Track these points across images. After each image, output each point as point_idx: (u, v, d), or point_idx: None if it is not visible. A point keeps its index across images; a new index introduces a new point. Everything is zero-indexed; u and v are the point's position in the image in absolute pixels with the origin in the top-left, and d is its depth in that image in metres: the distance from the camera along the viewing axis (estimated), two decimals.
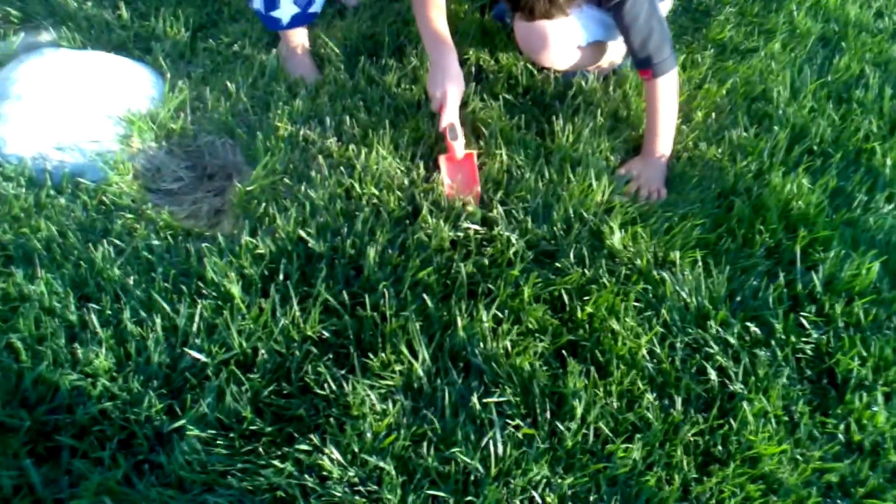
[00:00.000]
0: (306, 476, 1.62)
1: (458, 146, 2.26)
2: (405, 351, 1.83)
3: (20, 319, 1.85)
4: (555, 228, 2.14)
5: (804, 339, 1.97)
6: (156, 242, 2.07)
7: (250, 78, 2.61)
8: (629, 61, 2.72)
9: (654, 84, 2.31)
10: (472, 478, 1.65)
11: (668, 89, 2.33)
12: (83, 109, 2.39)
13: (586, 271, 2.04)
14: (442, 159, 2.28)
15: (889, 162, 2.45)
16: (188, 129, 2.45)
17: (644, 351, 1.89)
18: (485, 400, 1.76)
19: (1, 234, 2.06)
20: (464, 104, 2.50)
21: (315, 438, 1.67)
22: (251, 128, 2.44)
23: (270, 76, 2.62)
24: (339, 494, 1.59)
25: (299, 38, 2.66)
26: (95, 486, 1.59)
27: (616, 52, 2.67)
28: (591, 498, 1.65)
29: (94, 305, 1.90)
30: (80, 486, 1.61)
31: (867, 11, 3.21)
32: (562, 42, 2.47)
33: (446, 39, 2.33)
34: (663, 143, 2.39)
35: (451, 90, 2.25)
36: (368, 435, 1.68)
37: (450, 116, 2.26)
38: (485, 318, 1.90)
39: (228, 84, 2.56)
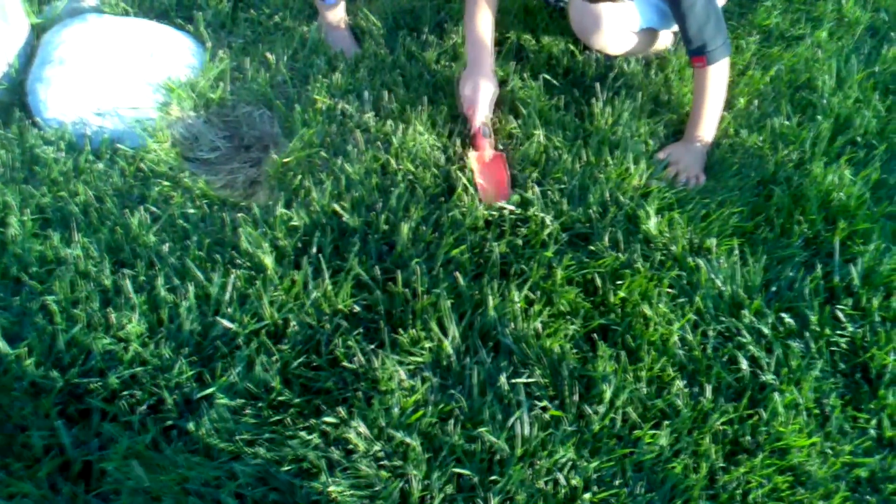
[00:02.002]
0: (332, 448, 1.63)
1: (489, 147, 2.26)
2: (435, 328, 1.83)
3: (56, 282, 1.87)
4: (590, 211, 2.12)
5: (839, 332, 1.94)
6: (191, 211, 2.08)
7: (290, 50, 2.61)
8: (672, 47, 2.70)
9: (706, 71, 2.27)
10: (498, 457, 1.65)
11: (719, 77, 2.30)
12: (124, 76, 2.41)
13: (620, 255, 2.02)
14: (472, 159, 2.24)
15: None
16: (227, 98, 2.45)
17: (675, 338, 1.88)
18: (513, 380, 1.76)
19: (39, 198, 2.08)
20: (503, 82, 2.48)
21: (342, 411, 1.68)
22: (289, 100, 2.44)
23: (311, 49, 2.61)
24: (364, 468, 1.60)
25: (339, 12, 2.66)
26: (124, 449, 1.62)
27: (665, 40, 2.65)
28: (617, 482, 1.64)
29: (129, 271, 1.92)
30: (109, 449, 1.64)
31: None
32: (617, 25, 2.44)
33: (486, 43, 2.38)
34: (707, 130, 2.36)
35: (483, 88, 2.31)
36: (396, 410, 1.68)
37: (482, 115, 2.30)
38: (516, 299, 1.90)
39: (268, 55, 2.56)
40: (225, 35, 2.70)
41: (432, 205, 2.13)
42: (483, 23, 2.37)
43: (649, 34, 2.57)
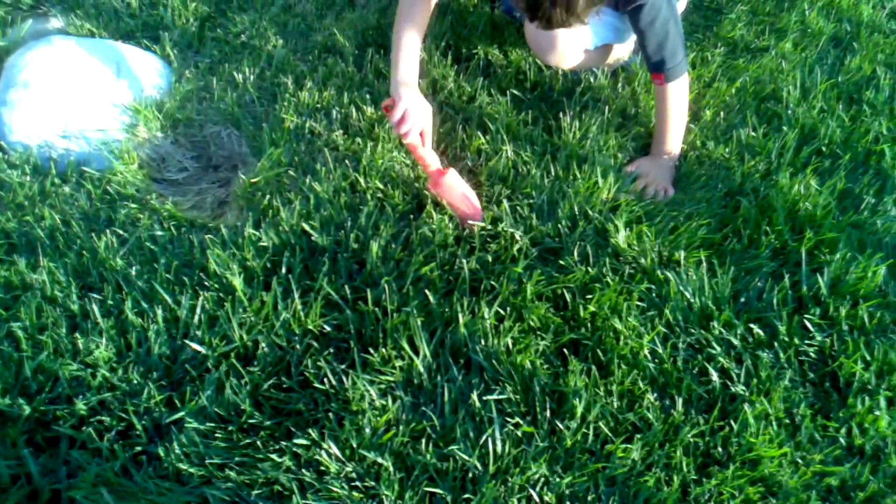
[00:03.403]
0: (304, 470, 1.62)
1: (432, 160, 2.16)
2: (406, 347, 1.83)
3: (22, 308, 1.85)
4: (559, 226, 2.13)
5: (808, 342, 1.95)
6: (159, 233, 2.07)
7: (257, 69, 2.60)
8: (637, 58, 2.71)
9: (666, 88, 2.29)
10: (471, 475, 1.65)
11: (678, 94, 2.31)
12: (90, 98, 2.39)
13: (590, 269, 2.03)
14: (437, 186, 2.15)
15: None
16: (194, 119, 2.44)
17: (646, 351, 1.88)
18: (485, 397, 1.76)
19: (4, 222, 2.06)
20: (471, 99, 2.49)
21: (314, 433, 1.67)
22: (257, 119, 2.43)
23: (278, 67, 2.61)
24: (336, 489, 1.59)
25: None
26: (93, 476, 1.60)
27: (621, 51, 2.66)
28: (590, 497, 1.64)
29: (96, 295, 1.90)
30: (77, 477, 1.61)
31: (880, 12, 3.18)
32: (571, 45, 2.45)
33: (415, 59, 2.20)
34: (673, 145, 2.38)
35: (416, 107, 2.11)
36: (367, 430, 1.67)
37: (416, 131, 2.11)
38: (487, 315, 1.90)
39: (236, 74, 2.56)
40: (192, 55, 2.70)
41: (402, 222, 2.13)
42: (411, 38, 2.19)
43: (604, 49, 2.59)
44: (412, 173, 2.25)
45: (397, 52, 2.16)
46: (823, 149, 2.48)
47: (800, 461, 1.74)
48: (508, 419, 1.73)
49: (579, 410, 1.74)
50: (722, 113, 2.58)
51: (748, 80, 2.71)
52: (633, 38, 2.57)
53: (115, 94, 2.42)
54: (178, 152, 2.38)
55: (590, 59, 2.56)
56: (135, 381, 1.74)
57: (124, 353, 1.81)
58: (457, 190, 2.14)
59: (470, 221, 2.12)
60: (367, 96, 2.48)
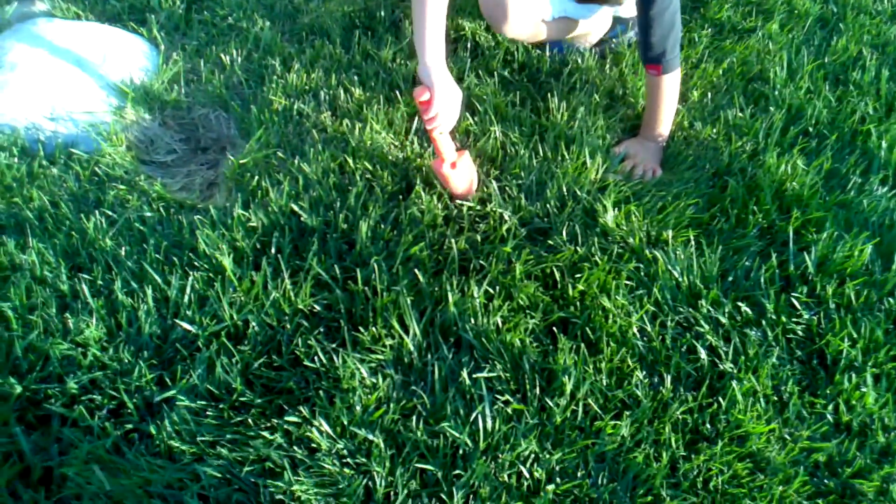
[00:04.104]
0: (295, 448, 1.62)
1: (449, 151, 2.10)
2: (396, 325, 1.83)
3: (11, 289, 1.85)
4: (548, 206, 2.13)
5: (795, 320, 1.97)
6: (148, 214, 2.07)
7: (245, 51, 2.60)
8: (618, 38, 2.71)
9: (661, 79, 2.30)
10: (461, 452, 1.65)
11: (672, 84, 2.32)
12: (77, 80, 2.38)
13: (578, 249, 2.03)
14: (440, 168, 2.09)
15: (884, 144, 2.44)
16: (182, 101, 2.44)
17: (635, 329, 1.89)
18: (475, 375, 1.76)
19: None
20: (459, 80, 2.49)
21: (305, 410, 1.67)
22: (245, 101, 2.43)
23: (265, 50, 2.61)
24: (328, 466, 1.60)
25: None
26: (85, 454, 1.60)
27: (587, 27, 2.65)
28: (579, 474, 1.65)
29: (86, 276, 1.90)
30: (69, 455, 1.62)
31: None
32: (524, 15, 2.42)
33: (441, 35, 2.02)
34: (663, 129, 2.39)
35: (452, 94, 2.03)
36: (358, 408, 1.68)
37: (450, 125, 2.06)
38: (476, 294, 1.90)
39: (223, 56, 2.55)
40: (179, 37, 2.69)
41: (391, 203, 2.13)
42: (438, 10, 2.00)
43: (565, 22, 2.56)
44: (401, 154, 2.25)
45: (422, 27, 1.98)
46: (810, 129, 2.50)
47: (787, 437, 1.76)
48: (498, 397, 1.74)
49: (569, 388, 1.75)
50: (709, 94, 2.59)
51: (735, 61, 2.72)
52: (602, 16, 2.57)
53: (103, 76, 2.41)
54: (167, 134, 2.38)
55: (549, 31, 2.54)
56: (125, 360, 1.74)
57: (115, 332, 1.81)
58: (464, 178, 2.14)
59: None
60: (355, 78, 2.48)
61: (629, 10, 2.64)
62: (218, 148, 2.38)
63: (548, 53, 2.65)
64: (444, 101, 1.98)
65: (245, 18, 2.74)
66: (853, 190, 2.29)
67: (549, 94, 2.47)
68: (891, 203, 2.27)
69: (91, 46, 2.47)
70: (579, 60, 2.62)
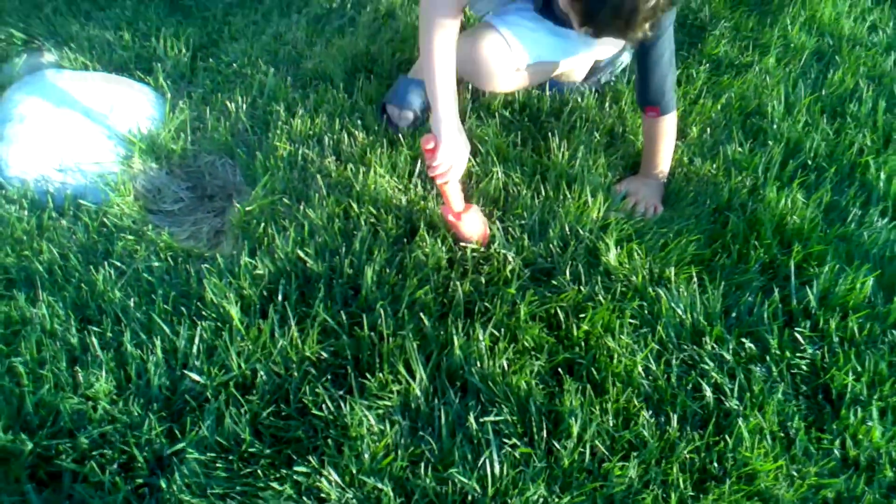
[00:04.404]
0: (305, 498, 1.63)
1: (457, 201, 2.13)
2: (403, 371, 1.85)
3: (22, 343, 1.87)
4: (551, 246, 2.16)
5: (799, 355, 1.98)
6: (156, 264, 2.09)
7: (250, 98, 2.63)
8: (612, 76, 2.74)
9: (660, 120, 2.33)
10: (470, 498, 1.66)
11: (671, 124, 2.36)
12: (85, 131, 2.42)
13: (582, 289, 2.05)
14: (450, 219, 2.13)
15: (883, 176, 2.46)
16: (188, 149, 2.47)
17: (640, 368, 1.91)
18: (482, 419, 1.78)
19: (3, 258, 2.09)
20: (462, 118, 2.52)
21: (313, 460, 1.69)
22: (251, 148, 2.46)
23: (269, 96, 2.64)
24: None
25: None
26: None
27: (568, 66, 2.66)
28: None
29: (95, 328, 1.92)
30: None
31: (861, 25, 3.23)
32: (501, 69, 2.43)
33: (453, 86, 2.08)
34: (662, 166, 2.42)
35: (460, 150, 2.08)
36: (366, 456, 1.69)
37: (456, 179, 2.10)
38: (481, 337, 1.92)
39: (228, 104, 2.59)
40: (185, 85, 2.73)
41: (395, 247, 2.15)
42: (448, 60, 2.07)
43: (544, 65, 2.56)
44: (404, 198, 2.28)
45: (433, 79, 2.04)
46: (809, 162, 2.52)
47: (795, 474, 1.76)
48: (506, 441, 1.75)
49: (575, 430, 1.76)
50: (708, 129, 2.61)
51: (733, 96, 2.75)
52: (584, 52, 2.59)
53: (110, 126, 2.45)
54: (174, 183, 2.41)
55: (533, 77, 2.55)
56: (135, 414, 1.76)
57: (124, 385, 1.83)
58: (473, 228, 2.16)
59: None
60: (359, 122, 2.51)
61: (605, 52, 2.67)
62: (224, 195, 2.41)
63: (547, 93, 2.68)
64: (449, 152, 2.01)
65: (249, 65, 2.78)
66: (853, 222, 2.31)
67: (549, 134, 2.50)
68: (891, 235, 2.29)
69: (98, 97, 2.51)
70: (579, 99, 2.65)
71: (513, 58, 2.43)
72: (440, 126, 2.01)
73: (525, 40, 2.41)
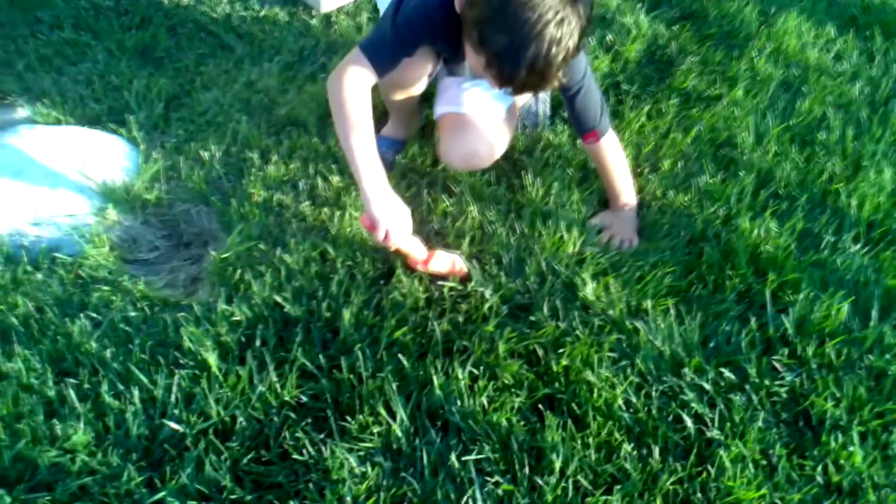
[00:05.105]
0: None
1: (417, 251, 2.15)
2: (383, 412, 1.84)
3: None
4: (528, 282, 2.17)
5: (778, 383, 1.99)
6: (133, 314, 2.08)
7: (223, 145, 2.64)
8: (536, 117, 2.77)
9: (600, 145, 2.35)
10: None
11: (614, 146, 2.38)
12: (59, 184, 2.41)
13: (560, 324, 2.06)
14: (421, 267, 2.17)
15: (854, 202, 2.49)
16: (163, 198, 2.47)
17: (620, 401, 1.91)
18: (464, 458, 1.77)
19: None
20: (434, 162, 2.54)
21: None
22: (225, 195, 2.46)
23: (243, 143, 2.65)
24: None
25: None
26: None
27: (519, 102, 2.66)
28: None
29: (72, 380, 1.90)
30: None
31: (826, 55, 3.29)
32: (496, 143, 2.39)
33: (376, 158, 2.04)
34: (628, 195, 2.44)
35: (399, 217, 2.06)
36: (348, 499, 1.68)
37: (406, 241, 2.10)
38: (461, 376, 1.92)
39: (202, 152, 2.59)
40: (158, 135, 2.73)
41: (373, 288, 2.16)
42: (366, 134, 2.04)
43: (511, 111, 2.53)
44: None
45: (353, 158, 2.03)
46: (780, 191, 2.55)
47: (779, 502, 1.77)
48: (488, 478, 1.75)
49: (558, 465, 1.76)
50: (680, 162, 2.64)
51: (703, 128, 2.78)
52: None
53: (84, 178, 2.45)
54: (149, 232, 2.40)
55: (510, 124, 2.52)
56: (114, 464, 1.74)
57: (103, 436, 1.81)
58: (442, 265, 2.18)
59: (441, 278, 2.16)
60: (333, 166, 2.52)
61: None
62: (200, 242, 2.40)
63: (519, 129, 2.70)
64: (388, 223, 2.01)
65: (222, 114, 2.79)
66: (827, 249, 2.34)
67: (523, 171, 2.52)
68: (864, 260, 2.31)
69: (72, 150, 2.51)
70: (551, 136, 2.68)
71: (493, 123, 2.40)
72: (370, 206, 2.00)
73: (485, 99, 2.41)
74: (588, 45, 2.61)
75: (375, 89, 2.13)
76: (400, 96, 2.42)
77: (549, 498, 1.72)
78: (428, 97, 2.65)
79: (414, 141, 2.66)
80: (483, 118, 2.35)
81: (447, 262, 2.18)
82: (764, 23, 3.43)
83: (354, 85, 2.06)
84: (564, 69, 1.94)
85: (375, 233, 2.03)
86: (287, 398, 1.88)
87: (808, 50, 3.29)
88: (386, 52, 2.08)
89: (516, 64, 1.81)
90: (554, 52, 1.79)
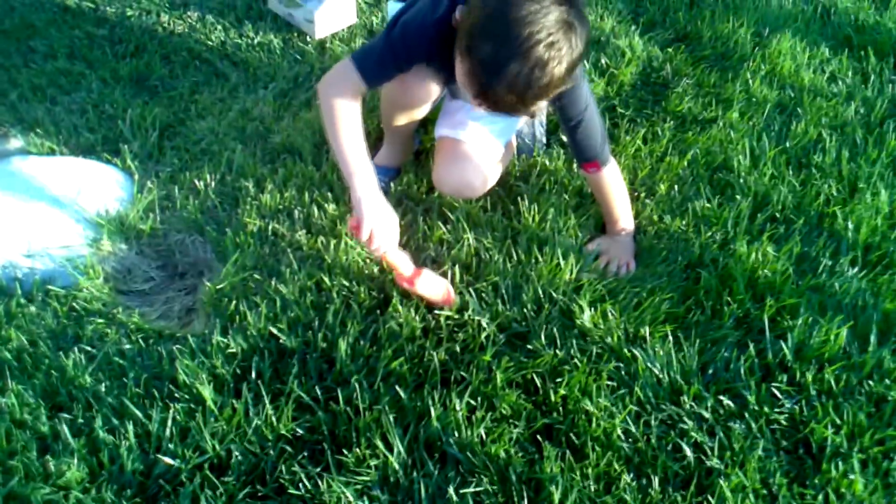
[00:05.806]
0: None
1: (403, 265, 2.13)
2: (380, 444, 1.83)
3: None
4: (525, 310, 2.15)
5: (778, 410, 1.97)
6: (127, 346, 2.07)
7: (218, 174, 2.63)
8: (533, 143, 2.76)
9: (601, 175, 2.34)
10: None
11: (615, 175, 2.37)
12: (53, 215, 2.41)
13: (558, 352, 2.04)
14: (412, 285, 2.14)
15: (851, 225, 2.48)
16: (158, 228, 2.46)
17: (619, 430, 1.89)
18: (462, 491, 1.75)
19: None
20: (430, 189, 2.53)
21: None
22: (220, 224, 2.45)
23: (238, 172, 2.64)
24: None
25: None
26: None
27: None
28: None
29: (66, 415, 1.89)
30: None
31: (821, 76, 3.28)
32: (487, 163, 2.40)
33: (367, 159, 2.06)
34: (626, 222, 2.43)
35: (387, 222, 2.05)
36: None
37: (393, 249, 2.09)
38: (458, 407, 1.91)
39: (197, 182, 2.59)
40: (153, 165, 2.72)
41: (369, 318, 2.14)
42: (357, 138, 2.05)
43: (510, 141, 2.56)
44: (376, 268, 2.27)
45: (346, 161, 2.04)
46: (777, 215, 2.54)
47: None
48: None
49: (556, 497, 1.74)
50: (676, 186, 2.63)
51: (699, 151, 2.77)
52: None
53: (78, 209, 2.44)
54: (144, 263, 2.39)
55: (506, 158, 2.53)
56: (109, 501, 1.73)
57: (97, 472, 1.80)
58: (432, 289, 2.16)
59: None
60: (329, 194, 2.52)
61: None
62: (195, 272, 2.39)
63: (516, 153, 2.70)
64: (375, 226, 1.99)
65: (217, 142, 2.79)
66: (824, 273, 2.32)
67: (519, 198, 2.51)
68: (862, 284, 2.30)
69: (66, 181, 2.51)
70: (547, 162, 2.67)
71: (491, 155, 2.41)
72: (360, 205, 1.99)
73: (484, 133, 2.40)
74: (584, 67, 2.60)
75: (373, 113, 2.12)
76: (402, 120, 2.41)
77: None
78: (424, 122, 2.65)
79: (409, 167, 2.66)
80: (480, 150, 2.35)
81: (438, 287, 2.17)
82: (758, 44, 3.43)
83: (344, 90, 2.07)
84: (548, 98, 1.90)
85: (360, 234, 2.00)
86: (283, 431, 1.87)
87: (802, 71, 3.28)
88: (376, 62, 2.08)
89: (496, 75, 1.78)
90: (537, 74, 1.76)
